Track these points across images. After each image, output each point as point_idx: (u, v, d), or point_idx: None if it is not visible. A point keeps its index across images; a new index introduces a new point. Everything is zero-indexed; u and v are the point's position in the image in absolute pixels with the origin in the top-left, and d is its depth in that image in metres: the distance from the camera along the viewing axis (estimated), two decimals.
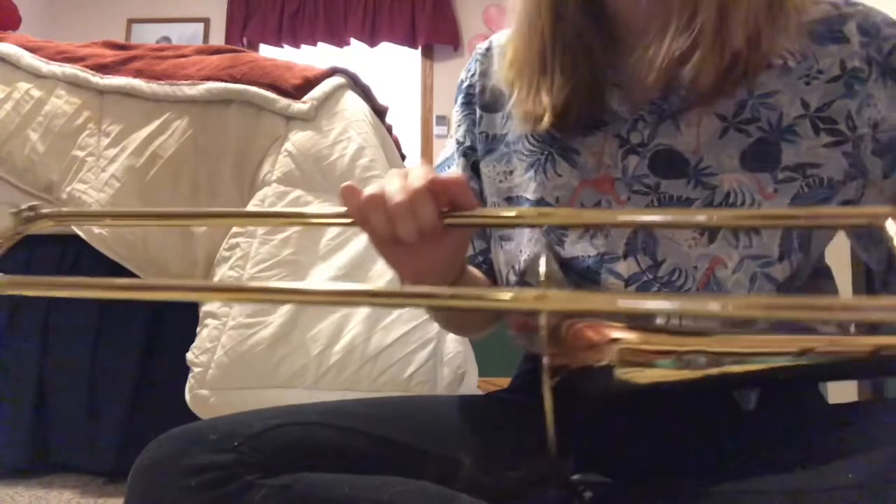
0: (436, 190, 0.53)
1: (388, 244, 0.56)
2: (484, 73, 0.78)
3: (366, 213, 0.54)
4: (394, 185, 0.54)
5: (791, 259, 0.62)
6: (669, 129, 0.66)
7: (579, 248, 0.67)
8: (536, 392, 0.73)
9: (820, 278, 0.69)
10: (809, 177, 0.63)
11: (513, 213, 0.56)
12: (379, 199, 0.53)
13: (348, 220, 0.54)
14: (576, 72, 0.67)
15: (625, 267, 0.65)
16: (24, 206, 0.54)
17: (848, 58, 0.63)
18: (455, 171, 0.79)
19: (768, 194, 0.63)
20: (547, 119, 0.68)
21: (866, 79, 0.62)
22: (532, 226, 0.68)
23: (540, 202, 0.70)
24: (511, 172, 0.74)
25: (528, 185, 0.72)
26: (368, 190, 0.54)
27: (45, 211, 0.55)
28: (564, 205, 0.69)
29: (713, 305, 0.38)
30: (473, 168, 0.78)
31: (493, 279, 0.77)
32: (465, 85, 0.80)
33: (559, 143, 0.70)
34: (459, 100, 0.81)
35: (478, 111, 0.78)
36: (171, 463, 0.54)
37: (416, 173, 0.54)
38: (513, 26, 0.72)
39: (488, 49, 0.80)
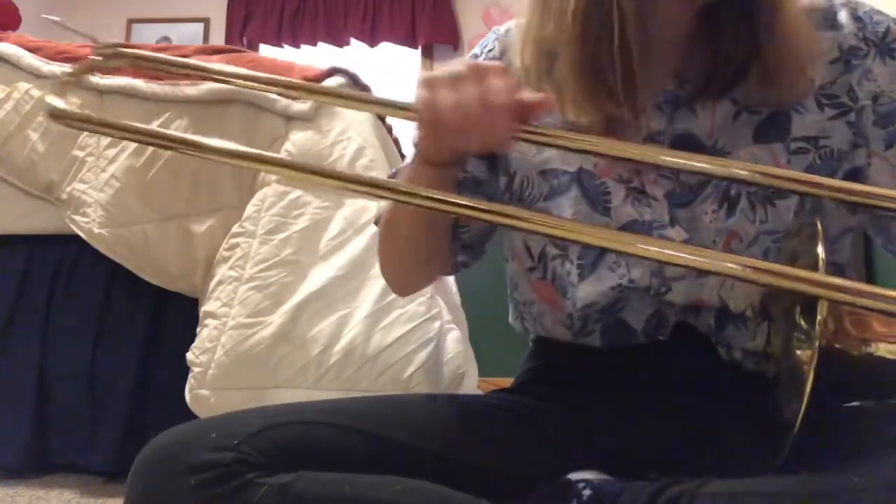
0: (518, 109, 0.56)
1: (441, 134, 0.59)
2: (504, 52, 0.77)
3: (438, 116, 0.57)
4: (471, 93, 0.56)
5: None
6: (686, 115, 0.68)
7: (627, 214, 0.68)
8: (540, 392, 0.73)
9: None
10: (822, 148, 0.66)
11: (582, 138, 0.58)
12: (455, 108, 0.56)
13: (414, 116, 0.59)
14: (600, 87, 0.65)
15: (675, 234, 0.67)
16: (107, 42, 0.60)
17: (844, 40, 0.66)
18: None
19: (782, 165, 0.65)
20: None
21: (865, 55, 0.66)
22: (598, 154, 0.64)
23: (580, 171, 0.70)
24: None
25: (565, 157, 0.71)
26: (444, 95, 0.57)
27: (123, 50, 0.63)
28: (602, 171, 0.69)
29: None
30: None
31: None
32: (481, 59, 0.78)
33: None
34: None
35: None
36: (171, 461, 0.54)
37: (497, 85, 0.56)
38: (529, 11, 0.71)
39: (508, 30, 0.79)
